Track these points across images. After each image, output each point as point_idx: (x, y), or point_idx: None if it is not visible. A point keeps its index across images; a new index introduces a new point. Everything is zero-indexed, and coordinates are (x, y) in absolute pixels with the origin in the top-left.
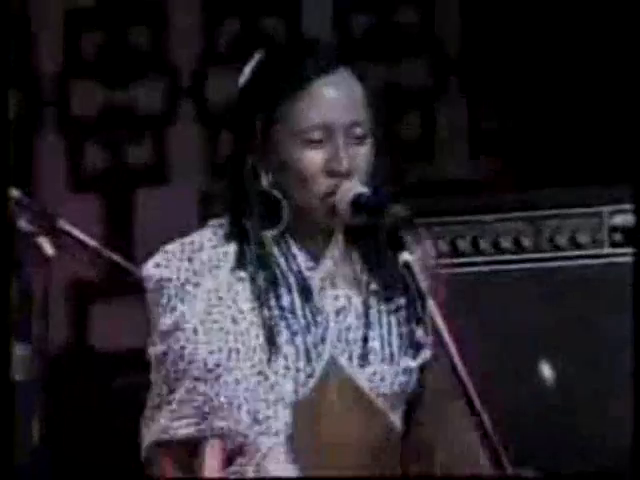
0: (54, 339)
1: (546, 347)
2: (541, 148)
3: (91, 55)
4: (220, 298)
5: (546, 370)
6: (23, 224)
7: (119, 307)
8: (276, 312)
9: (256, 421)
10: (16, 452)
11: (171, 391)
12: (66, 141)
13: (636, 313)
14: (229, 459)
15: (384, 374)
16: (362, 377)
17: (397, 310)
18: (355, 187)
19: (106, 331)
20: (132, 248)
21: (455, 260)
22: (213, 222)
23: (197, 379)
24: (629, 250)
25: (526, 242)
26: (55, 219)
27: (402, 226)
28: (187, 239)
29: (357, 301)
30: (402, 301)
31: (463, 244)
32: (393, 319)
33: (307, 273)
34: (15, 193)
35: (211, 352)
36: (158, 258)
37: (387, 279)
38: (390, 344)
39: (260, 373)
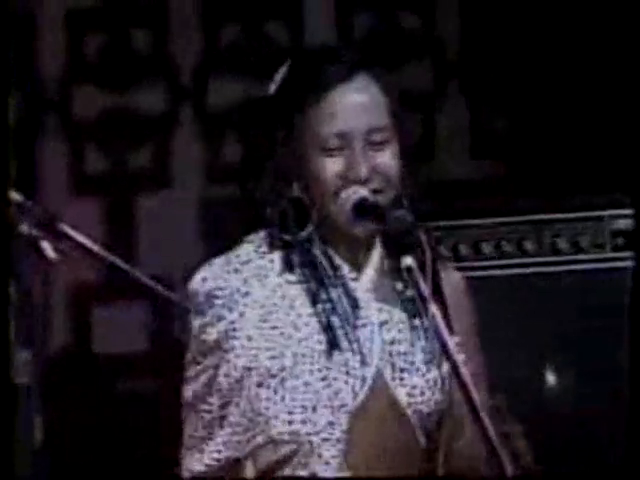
0: (55, 343)
1: (548, 351)
2: (543, 152)
3: (93, 59)
4: (275, 304)
5: (548, 374)
6: (24, 228)
7: (120, 311)
8: (330, 308)
9: (320, 427)
10: (17, 456)
11: (225, 404)
12: (68, 144)
13: (634, 317)
14: (272, 469)
15: (424, 389)
16: (402, 391)
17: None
18: (357, 191)
19: (107, 335)
20: (134, 252)
21: (457, 264)
22: (253, 236)
23: (259, 385)
24: (630, 254)
25: (529, 246)
26: (57, 223)
27: (405, 230)
28: (232, 252)
29: (399, 315)
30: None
31: (464, 248)
32: (430, 330)
33: (352, 284)
34: (16, 197)
35: (273, 357)
36: (204, 272)
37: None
38: (431, 357)
39: (324, 379)
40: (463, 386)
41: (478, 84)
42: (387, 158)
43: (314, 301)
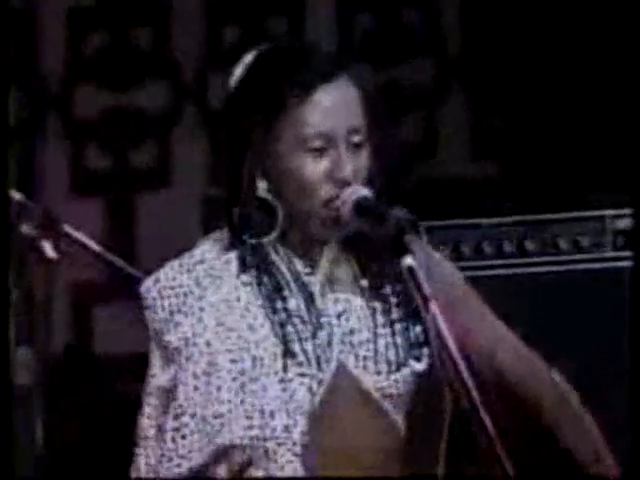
0: (56, 343)
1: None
2: (544, 151)
3: (94, 57)
4: (230, 307)
5: None
6: (25, 227)
7: (121, 311)
8: (285, 318)
9: (276, 431)
10: (17, 456)
11: (179, 415)
12: (68, 143)
13: (634, 317)
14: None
15: (390, 374)
16: (369, 379)
17: (399, 309)
18: (358, 190)
19: (108, 335)
20: (134, 251)
21: (458, 264)
22: (211, 235)
23: (219, 389)
24: (631, 253)
25: (529, 246)
26: (57, 222)
27: (406, 230)
28: (186, 254)
29: (357, 304)
30: (401, 299)
31: (465, 248)
32: (394, 319)
33: (306, 278)
34: (17, 196)
35: (233, 361)
36: (156, 274)
37: (384, 280)
38: (395, 345)
39: (281, 381)
40: (465, 388)
41: (479, 83)
42: (364, 159)
43: (269, 303)
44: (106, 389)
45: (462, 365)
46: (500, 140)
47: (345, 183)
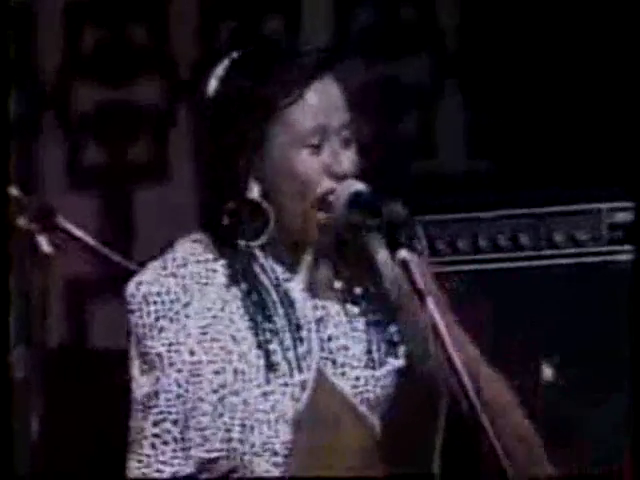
0: (52, 337)
1: (544, 345)
2: (540, 145)
3: (91, 53)
4: (215, 317)
5: (544, 368)
6: (22, 222)
7: (117, 305)
8: (268, 328)
9: (255, 446)
10: (15, 450)
11: (158, 422)
12: (65, 139)
13: (635, 311)
14: None
15: (368, 379)
16: (346, 384)
17: (375, 312)
18: (353, 184)
19: (104, 329)
20: (131, 246)
21: (453, 258)
22: (189, 236)
23: (201, 399)
24: (628, 247)
25: (524, 240)
26: (54, 216)
27: (400, 224)
28: (168, 255)
29: (335, 309)
30: (377, 302)
31: (461, 242)
32: (371, 322)
33: (285, 285)
34: (14, 191)
35: (216, 372)
36: (140, 276)
37: (358, 282)
38: (371, 348)
39: (264, 394)
40: (461, 384)
41: (476, 79)
42: (353, 155)
43: (253, 314)
44: (101, 383)
45: (458, 360)
46: (496, 136)
47: (343, 176)
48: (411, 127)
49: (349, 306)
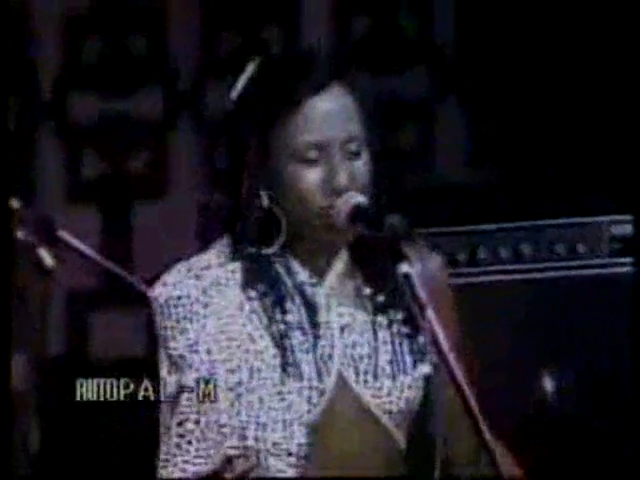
0: (52, 348)
1: (545, 357)
2: (541, 157)
3: (90, 64)
4: (232, 316)
5: (546, 380)
6: (22, 234)
7: (118, 317)
8: (284, 329)
9: (269, 444)
10: (14, 461)
11: (182, 422)
12: (65, 150)
13: (636, 323)
14: None
15: (391, 390)
16: (368, 393)
17: (402, 322)
18: (354, 197)
19: (105, 341)
20: (131, 258)
21: (453, 270)
22: (217, 242)
23: (217, 398)
24: (628, 260)
25: (525, 251)
26: (54, 229)
27: (402, 236)
28: (194, 258)
29: (361, 317)
30: (405, 312)
31: (461, 254)
32: (398, 332)
33: (311, 289)
34: (14, 203)
35: (231, 371)
36: (165, 277)
37: (389, 291)
38: (397, 359)
39: (279, 393)
40: (461, 393)
41: (476, 90)
42: (362, 167)
43: (270, 314)
44: (101, 395)
45: (458, 372)
46: (497, 147)
47: (339, 192)
48: (411, 139)
49: (376, 316)
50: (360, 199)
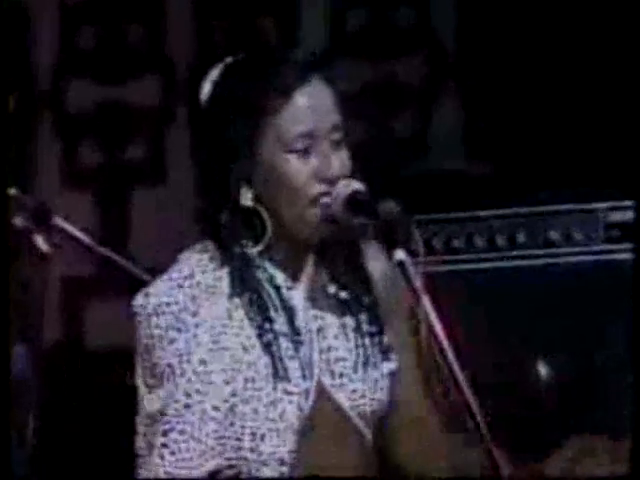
0: (49, 336)
1: (541, 344)
2: (537, 145)
3: (87, 52)
4: (224, 325)
5: (541, 366)
6: (19, 221)
7: (114, 304)
8: (272, 338)
9: (264, 454)
10: (12, 449)
11: (167, 431)
12: (61, 138)
13: (636, 311)
14: None
15: (364, 392)
16: (343, 396)
17: (368, 322)
18: (351, 184)
19: (101, 328)
20: (127, 245)
21: (449, 257)
22: (195, 247)
23: (215, 408)
24: (624, 246)
25: (521, 238)
26: (51, 216)
27: (397, 224)
28: (174, 267)
29: (332, 320)
30: (370, 312)
31: (457, 241)
32: (367, 332)
33: (287, 293)
34: (11, 190)
35: (227, 382)
36: (148, 288)
37: (355, 290)
38: (368, 360)
39: (272, 402)
40: (457, 385)
41: (472, 80)
42: (345, 156)
43: (258, 322)
44: (98, 383)
45: (453, 359)
46: (493, 135)
47: (334, 180)
48: (408, 127)
49: (344, 317)
50: (358, 185)
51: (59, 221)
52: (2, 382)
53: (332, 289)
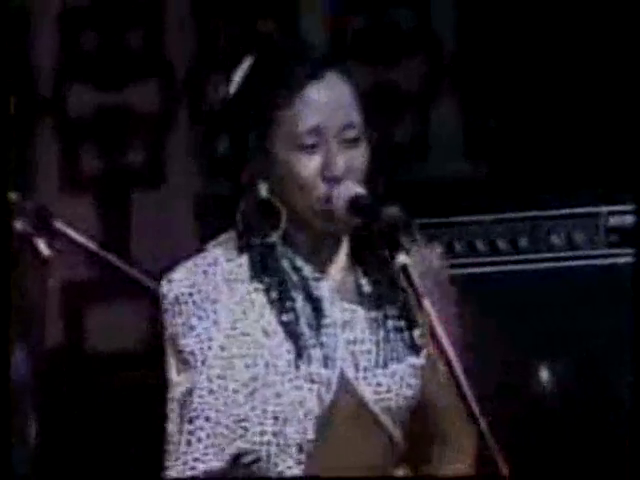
0: (50, 340)
1: (543, 348)
2: (538, 148)
3: (87, 57)
4: (244, 311)
5: (543, 371)
6: (19, 225)
7: (115, 308)
8: (294, 324)
9: (288, 438)
10: (14, 453)
11: (193, 419)
12: (62, 142)
13: (636, 314)
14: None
15: (390, 386)
16: (368, 389)
17: (397, 317)
18: (352, 188)
19: (102, 332)
20: (128, 249)
21: (451, 261)
22: (221, 237)
23: (236, 391)
24: (626, 251)
25: (523, 243)
26: (52, 220)
27: (399, 227)
28: (200, 255)
29: (362, 313)
30: (399, 307)
31: (459, 245)
32: (394, 327)
33: (314, 284)
34: (12, 194)
35: (247, 366)
36: (173, 274)
37: (387, 285)
38: (395, 355)
39: (294, 388)
40: (458, 387)
41: (471, 82)
42: (360, 155)
43: (280, 308)
44: (98, 386)
45: (456, 363)
46: (493, 138)
47: (336, 180)
48: (407, 131)
49: (374, 311)
50: (358, 190)
51: (60, 225)
52: (3, 385)
53: (364, 283)
